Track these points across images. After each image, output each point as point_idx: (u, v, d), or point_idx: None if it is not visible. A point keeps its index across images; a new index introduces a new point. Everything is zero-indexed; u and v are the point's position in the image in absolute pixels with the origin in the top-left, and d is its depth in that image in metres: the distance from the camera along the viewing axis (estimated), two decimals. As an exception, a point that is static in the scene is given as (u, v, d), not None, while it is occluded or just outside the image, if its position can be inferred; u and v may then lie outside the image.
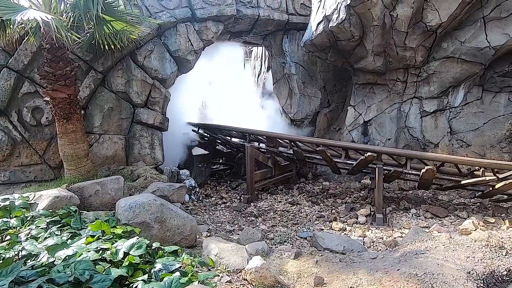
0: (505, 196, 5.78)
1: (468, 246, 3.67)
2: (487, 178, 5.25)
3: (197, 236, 4.12)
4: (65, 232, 3.18)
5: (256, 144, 8.25)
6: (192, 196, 7.01)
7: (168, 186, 5.48)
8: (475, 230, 4.36)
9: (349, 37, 7.46)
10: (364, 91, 8.47)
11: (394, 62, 7.50)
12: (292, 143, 7.25)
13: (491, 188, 5.47)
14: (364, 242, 4.83)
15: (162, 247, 3.02)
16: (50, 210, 3.82)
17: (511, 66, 6.75)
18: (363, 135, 8.48)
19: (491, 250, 3.58)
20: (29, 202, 4.00)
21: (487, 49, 6.57)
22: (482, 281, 3.05)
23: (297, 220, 5.92)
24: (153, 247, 2.97)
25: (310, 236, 4.89)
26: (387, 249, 4.47)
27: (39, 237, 3.04)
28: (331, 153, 6.75)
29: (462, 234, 4.32)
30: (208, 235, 4.66)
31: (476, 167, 5.62)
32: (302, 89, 10.02)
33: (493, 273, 3.17)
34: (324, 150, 6.42)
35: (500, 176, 5.15)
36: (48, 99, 5.48)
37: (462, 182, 5.63)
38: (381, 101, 8.21)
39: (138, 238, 2.84)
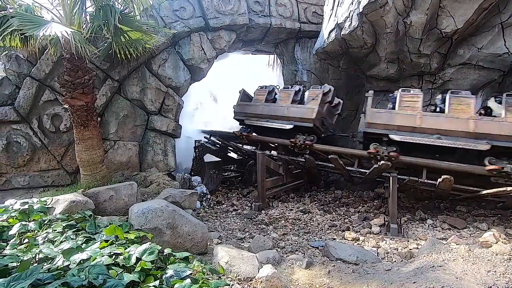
0: (528, 208, 5.53)
1: (488, 260, 3.51)
2: (509, 188, 5.04)
3: (208, 243, 4.12)
4: (80, 236, 3.25)
5: (267, 151, 8.24)
6: (203, 203, 7.04)
7: (180, 192, 5.53)
8: (496, 243, 4.16)
9: (362, 45, 7.42)
10: (377, 99, 8.35)
11: (408, 69, 7.39)
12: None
13: (512, 199, 5.24)
14: (378, 253, 4.70)
15: (173, 253, 3.03)
16: (67, 215, 3.92)
17: (532, 73, 6.53)
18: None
19: (514, 265, 3.41)
20: (46, 206, 4.11)
21: (506, 55, 6.38)
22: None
23: (309, 228, 5.84)
24: (164, 253, 2.98)
25: (322, 246, 4.80)
26: (402, 260, 4.33)
27: (56, 241, 3.11)
28: (344, 161, 6.65)
29: (482, 247, 4.14)
30: (219, 242, 4.65)
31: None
32: (314, 96, 9.98)
33: (516, 289, 3.00)
34: (336, 158, 6.34)
35: (523, 186, 4.94)
36: (67, 106, 5.68)
37: (482, 193, 5.43)
38: (395, 108, 8.07)
39: (150, 244, 2.86)
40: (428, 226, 5.68)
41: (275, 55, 11.50)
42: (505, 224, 5.47)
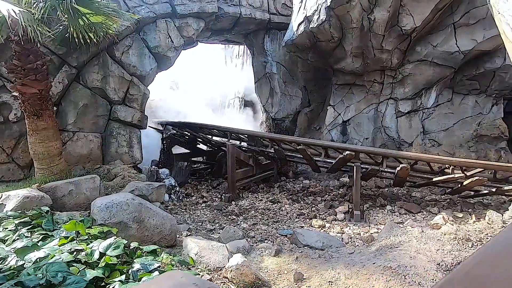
0: (472, 193, 6.15)
1: (438, 240, 3.87)
2: (456, 175, 5.56)
3: (177, 236, 4.06)
4: (36, 233, 3.03)
5: (237, 142, 8.23)
6: (172, 196, 6.88)
7: (147, 185, 5.35)
8: (444, 225, 4.60)
9: (329, 38, 7.62)
10: (343, 92, 8.69)
11: (371, 64, 7.75)
12: (273, 142, 7.30)
13: (459, 185, 5.79)
14: (342, 238, 4.96)
15: (140, 247, 2.95)
16: (19, 211, 3.63)
17: (478, 70, 7.19)
18: (342, 135, 8.69)
19: (458, 243, 3.81)
20: (-5, 203, 3.77)
21: (456, 54, 6.94)
22: (450, 271, 3.22)
23: (278, 218, 5.98)
24: (131, 247, 2.89)
25: (291, 234, 4.96)
26: (364, 244, 4.62)
27: (7, 240, 2.87)
28: (311, 152, 6.87)
29: (433, 229, 4.55)
30: (188, 234, 4.60)
31: (446, 165, 5.93)
32: (283, 88, 10.12)
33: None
34: (304, 149, 6.52)
35: (468, 173, 5.48)
36: (16, 94, 5.17)
37: (434, 180, 5.93)
38: (359, 101, 8.46)
39: (115, 238, 2.75)
40: (387, 212, 6.10)
41: (245, 45, 11.41)
42: (452, 208, 6.05)
